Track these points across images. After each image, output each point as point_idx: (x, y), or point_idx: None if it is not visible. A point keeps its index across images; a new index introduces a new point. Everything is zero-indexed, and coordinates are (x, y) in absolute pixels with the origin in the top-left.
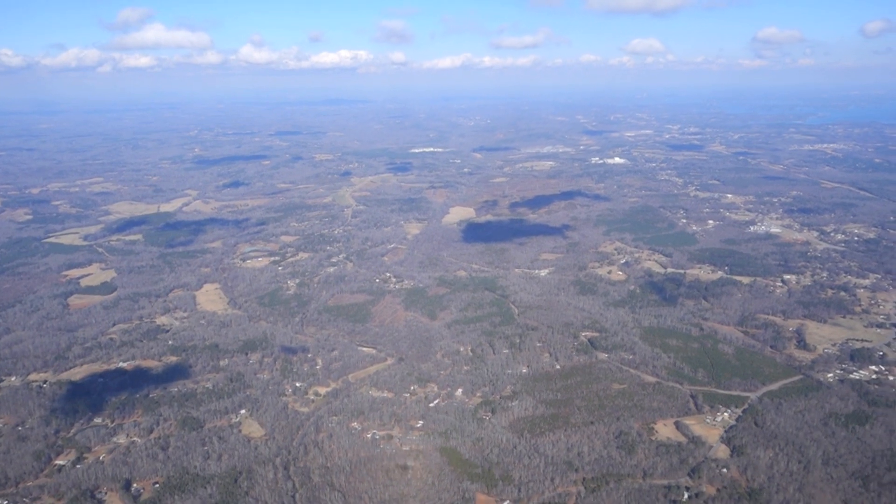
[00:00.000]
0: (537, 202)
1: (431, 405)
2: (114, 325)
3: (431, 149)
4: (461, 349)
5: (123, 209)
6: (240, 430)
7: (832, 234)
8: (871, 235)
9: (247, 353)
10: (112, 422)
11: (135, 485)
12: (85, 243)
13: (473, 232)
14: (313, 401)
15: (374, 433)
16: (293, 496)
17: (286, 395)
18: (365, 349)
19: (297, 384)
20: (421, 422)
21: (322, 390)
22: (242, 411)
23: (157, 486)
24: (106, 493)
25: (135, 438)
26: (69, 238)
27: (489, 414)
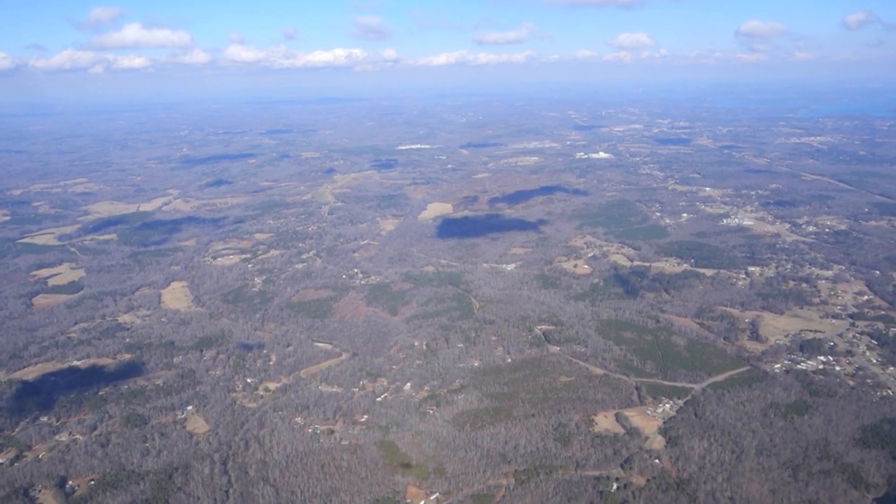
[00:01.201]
0: (516, 197)
1: (378, 399)
2: (75, 323)
3: (419, 145)
4: (416, 344)
5: (103, 209)
6: (184, 427)
7: (804, 227)
8: (843, 227)
9: (202, 350)
10: (57, 420)
11: (70, 482)
12: (59, 243)
13: (448, 228)
14: (262, 396)
15: (316, 428)
16: (226, 491)
17: (236, 391)
18: (321, 345)
19: (248, 380)
20: (365, 416)
21: (272, 386)
22: (189, 408)
23: (93, 483)
24: (40, 491)
25: (77, 436)
26: (44, 238)
27: (434, 408)
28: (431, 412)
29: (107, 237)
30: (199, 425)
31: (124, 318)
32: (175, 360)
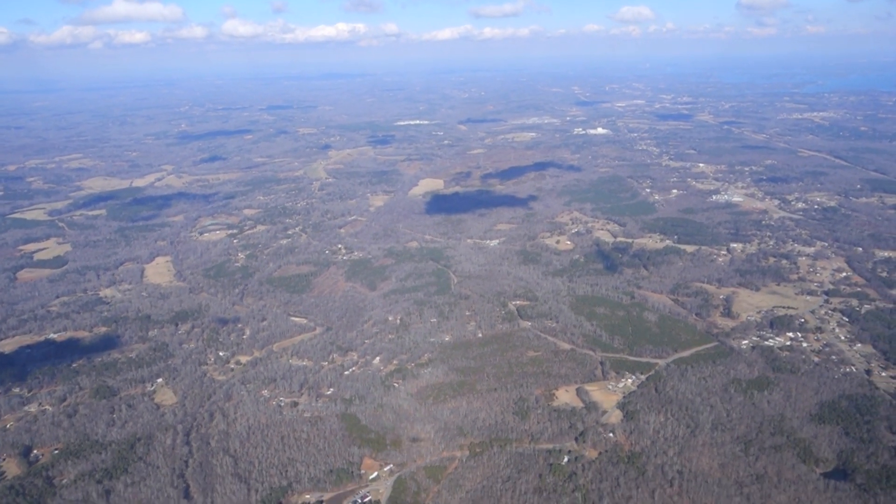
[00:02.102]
0: (509, 173)
1: (346, 373)
2: (56, 297)
3: (417, 121)
4: (390, 318)
5: (96, 185)
6: (152, 399)
7: (793, 203)
8: (832, 204)
9: (177, 324)
10: (29, 391)
11: (35, 451)
12: (48, 219)
13: (437, 203)
14: (233, 370)
15: (281, 400)
16: (186, 461)
17: (207, 364)
18: (297, 319)
19: (221, 353)
20: (331, 389)
21: (244, 359)
22: (159, 380)
23: (56, 451)
24: (4, 459)
25: (46, 407)
26: (34, 213)
27: (400, 381)
28: (397, 386)
29: (96, 213)
30: (167, 397)
31: (106, 293)
32: (150, 333)
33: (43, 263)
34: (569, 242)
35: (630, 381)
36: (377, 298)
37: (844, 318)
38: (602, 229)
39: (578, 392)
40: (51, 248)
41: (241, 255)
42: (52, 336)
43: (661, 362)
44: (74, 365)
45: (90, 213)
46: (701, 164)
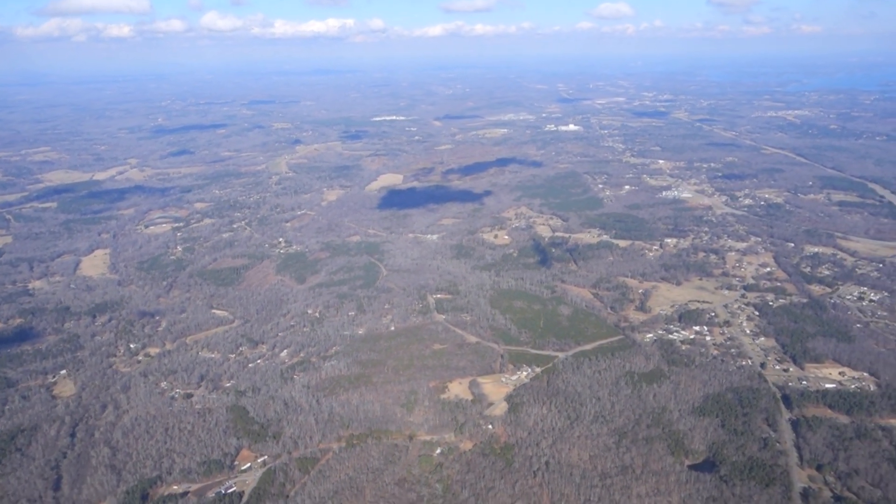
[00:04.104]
0: (471, 169)
1: (250, 365)
2: None
3: (394, 117)
4: (310, 311)
5: (56, 178)
6: (51, 390)
7: (741, 199)
8: (779, 200)
9: (95, 316)
10: None
11: None
12: None
13: (391, 199)
14: (140, 361)
15: (177, 392)
16: (65, 453)
17: (116, 357)
18: (218, 312)
19: (132, 345)
20: (231, 382)
21: (154, 351)
22: (63, 371)
23: None
24: None
25: None
26: None
27: (300, 374)
28: (296, 378)
29: (47, 205)
30: (67, 388)
31: (36, 285)
32: (66, 325)
33: None
34: (507, 237)
35: (525, 373)
36: (303, 292)
37: (756, 312)
38: (544, 224)
39: (471, 385)
40: None
41: (178, 249)
42: None
43: (562, 355)
44: None
45: (41, 205)
46: (660, 161)
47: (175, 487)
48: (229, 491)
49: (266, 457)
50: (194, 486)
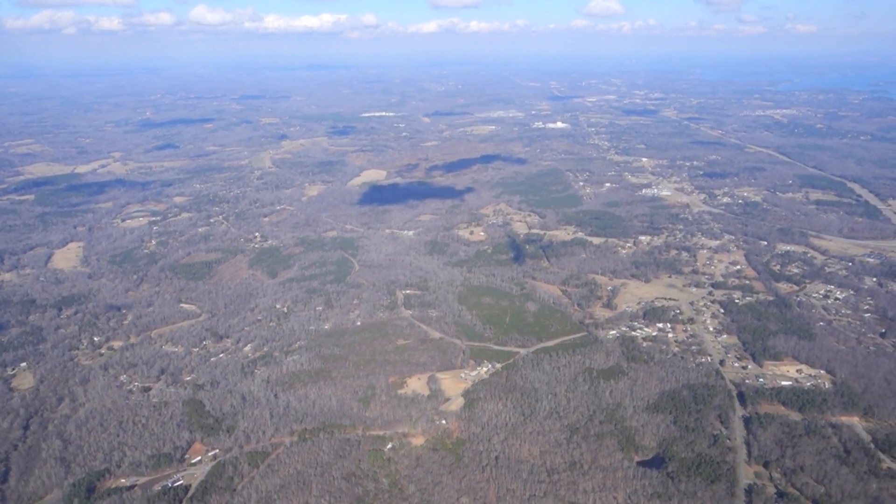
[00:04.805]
0: (455, 165)
1: (212, 359)
2: None
3: (383, 113)
4: (278, 306)
5: (38, 170)
6: (9, 382)
7: (719, 198)
8: (757, 199)
9: (61, 309)
10: None
11: None
12: None
13: (371, 194)
14: (102, 355)
15: (135, 385)
16: (16, 446)
17: (78, 350)
18: (186, 306)
19: (95, 339)
20: (191, 375)
21: (117, 344)
22: (23, 364)
23: None
24: None
25: None
26: None
27: (261, 368)
28: (257, 372)
29: (24, 198)
30: (26, 381)
31: (5, 277)
32: (31, 318)
33: None
34: (482, 234)
35: (485, 369)
36: (273, 286)
37: (721, 310)
38: (521, 221)
39: (430, 380)
40: None
41: (153, 242)
42: None
43: (523, 351)
44: None
45: (18, 198)
46: (644, 159)
47: (123, 480)
48: (176, 484)
49: (217, 450)
50: (142, 480)
